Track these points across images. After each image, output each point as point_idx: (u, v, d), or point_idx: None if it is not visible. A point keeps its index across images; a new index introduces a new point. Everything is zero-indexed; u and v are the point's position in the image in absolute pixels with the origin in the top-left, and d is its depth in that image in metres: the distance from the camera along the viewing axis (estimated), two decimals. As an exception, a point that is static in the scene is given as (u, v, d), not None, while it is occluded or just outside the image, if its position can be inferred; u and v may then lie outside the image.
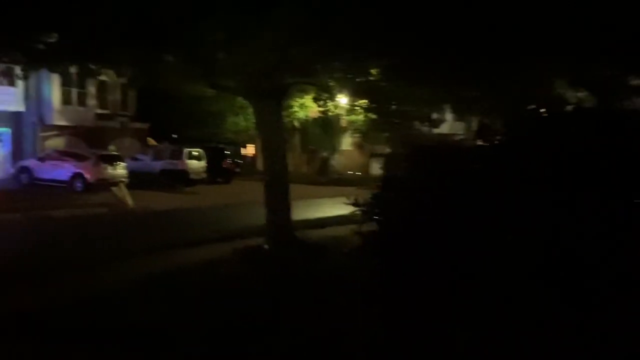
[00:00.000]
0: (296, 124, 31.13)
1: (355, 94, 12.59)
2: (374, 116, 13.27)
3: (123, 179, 21.51)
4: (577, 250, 4.50)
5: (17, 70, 9.47)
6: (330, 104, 13.56)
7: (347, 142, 34.56)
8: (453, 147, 7.21)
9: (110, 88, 27.90)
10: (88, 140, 26.00)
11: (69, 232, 12.84)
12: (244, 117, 28.16)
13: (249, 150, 34.66)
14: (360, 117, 21.92)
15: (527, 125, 6.00)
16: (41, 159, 22.71)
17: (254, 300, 6.46)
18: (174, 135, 34.20)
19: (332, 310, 5.90)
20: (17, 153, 24.30)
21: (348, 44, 7.53)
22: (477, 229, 5.01)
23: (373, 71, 10.16)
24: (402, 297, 5.32)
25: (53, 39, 7.64)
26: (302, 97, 25.60)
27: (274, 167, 10.36)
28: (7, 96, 22.94)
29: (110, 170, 21.66)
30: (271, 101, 10.01)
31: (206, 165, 26.76)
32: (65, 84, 25.26)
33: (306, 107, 26.99)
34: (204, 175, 26.43)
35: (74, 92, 26.11)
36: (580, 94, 9.13)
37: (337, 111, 22.76)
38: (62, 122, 25.70)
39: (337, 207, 10.46)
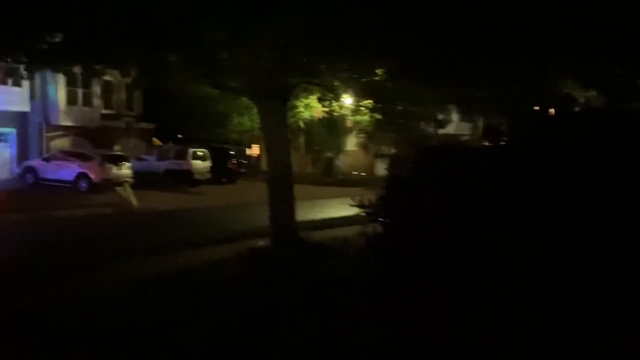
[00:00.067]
0: (301, 124, 31.08)
1: (360, 94, 12.52)
2: (379, 116, 13.22)
3: (128, 179, 21.52)
4: (583, 250, 4.44)
5: (22, 70, 9.43)
6: (335, 104, 13.51)
7: (352, 143, 34.49)
8: (459, 148, 7.13)
9: (115, 88, 27.96)
10: (93, 140, 26.05)
11: (72, 232, 12.83)
12: (249, 118, 28.11)
13: (254, 150, 34.64)
14: (366, 117, 21.83)
15: (533, 125, 5.93)
16: (46, 159, 22.78)
17: (256, 302, 6.41)
18: (179, 136, 34.26)
19: (335, 311, 5.84)
20: (22, 153, 24.38)
21: (348, 44, 7.50)
22: (483, 230, 4.96)
23: (378, 71, 10.10)
24: (406, 298, 5.28)
25: (54, 39, 7.62)
26: (307, 98, 25.53)
27: (278, 167, 10.30)
28: (12, 96, 23.02)
29: (115, 170, 21.69)
30: (275, 101, 9.96)
31: (211, 165, 26.75)
32: (71, 84, 25.32)
33: (311, 107, 26.93)
34: (209, 176, 26.43)
35: (80, 92, 26.18)
36: (589, 94, 9.03)
37: (342, 111, 22.70)
38: (68, 123, 25.77)
39: (342, 208, 10.40)
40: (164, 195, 21.64)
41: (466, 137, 27.79)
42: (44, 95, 25.05)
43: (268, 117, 10.28)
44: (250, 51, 7.38)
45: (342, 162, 33.76)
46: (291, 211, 10.39)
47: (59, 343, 5.53)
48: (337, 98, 12.91)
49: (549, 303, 4.50)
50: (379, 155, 34.35)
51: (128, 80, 20.12)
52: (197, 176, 25.75)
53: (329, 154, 35.14)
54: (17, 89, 23.01)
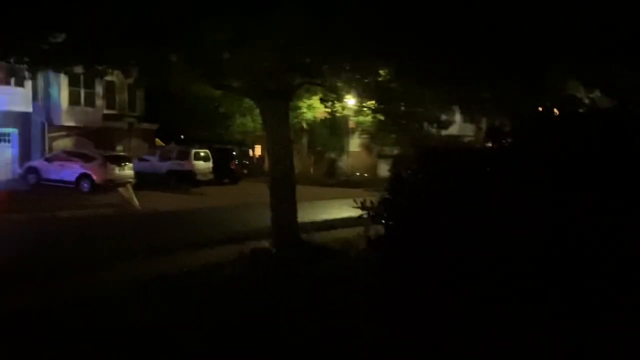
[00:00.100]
0: (304, 125, 31.08)
1: (363, 94, 12.48)
2: (382, 117, 13.14)
3: (130, 180, 21.53)
4: (584, 250, 4.42)
5: (24, 70, 9.42)
6: (337, 105, 13.44)
7: (355, 144, 34.46)
8: (461, 149, 7.09)
9: (117, 89, 27.98)
10: (95, 141, 26.08)
11: (74, 232, 12.82)
12: (252, 118, 28.10)
13: (257, 151, 34.64)
14: (368, 118, 21.80)
15: (536, 126, 5.90)
16: (48, 160, 22.80)
17: (256, 302, 6.39)
18: (182, 136, 34.29)
19: (335, 312, 5.83)
20: (24, 154, 24.41)
21: (348, 44, 7.47)
22: (485, 231, 4.93)
23: (381, 72, 10.06)
24: (407, 299, 5.25)
25: (55, 39, 7.61)
26: (309, 98, 25.53)
27: (280, 168, 10.26)
28: (15, 97, 23.06)
29: (117, 171, 21.70)
30: (277, 102, 9.93)
31: (213, 166, 26.74)
32: (73, 84, 25.35)
33: (314, 108, 26.92)
34: (211, 176, 26.42)
35: (82, 92, 26.20)
36: (593, 95, 8.98)
37: (345, 112, 22.66)
38: (70, 123, 25.79)
39: (344, 209, 10.34)
40: (166, 196, 21.63)
41: (469, 138, 27.74)
42: (47, 96, 25.08)
43: (270, 118, 10.25)
44: (250, 51, 7.35)
45: (344, 163, 33.73)
46: (293, 212, 10.35)
47: (60, 343, 5.53)
48: (339, 99, 12.83)
49: (549, 303, 4.48)
50: (382, 156, 34.33)
51: (130, 80, 20.14)
52: (199, 177, 25.75)
53: (332, 155, 35.13)
54: (19, 89, 23.05)
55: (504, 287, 4.66)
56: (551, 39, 7.18)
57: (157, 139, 32.20)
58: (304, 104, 27.64)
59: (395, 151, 30.99)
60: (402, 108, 11.96)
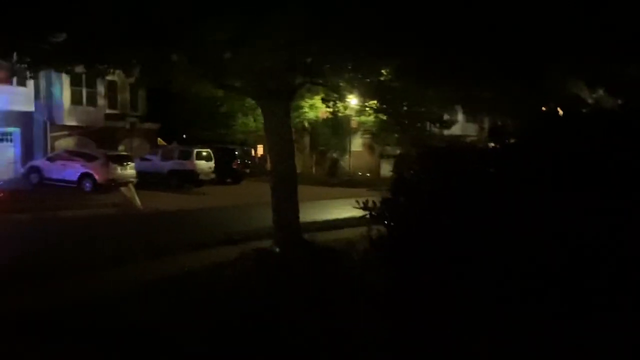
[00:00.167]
0: (306, 124, 31.05)
1: (365, 94, 12.43)
2: (384, 117, 13.09)
3: (132, 180, 21.53)
4: (590, 251, 4.39)
5: (25, 70, 9.39)
6: (339, 104, 13.39)
7: (357, 143, 34.42)
8: (465, 149, 7.04)
9: (120, 88, 27.98)
10: (98, 140, 26.07)
11: (76, 232, 12.83)
12: (254, 118, 28.12)
13: (259, 150, 34.63)
14: (371, 118, 21.75)
15: (540, 126, 5.85)
16: (51, 159, 22.79)
17: (258, 303, 6.38)
18: (184, 136, 34.29)
19: (337, 313, 5.79)
20: (27, 153, 24.42)
21: (348, 44, 7.44)
22: (489, 232, 4.88)
23: (383, 71, 10.00)
24: (410, 301, 5.21)
25: (55, 39, 7.58)
26: (311, 98, 25.47)
27: (282, 168, 10.22)
28: (17, 96, 23.05)
29: (119, 170, 21.68)
30: (279, 101, 9.89)
31: (215, 165, 26.73)
32: (75, 84, 25.35)
33: (316, 107, 26.88)
34: (213, 176, 26.40)
35: (84, 92, 26.19)
36: (597, 95, 8.92)
37: (347, 112, 22.59)
38: (72, 122, 25.79)
39: (346, 209, 10.28)
40: (168, 196, 21.64)
41: (472, 138, 27.68)
42: (49, 95, 25.08)
43: (271, 117, 10.22)
44: (251, 51, 7.32)
45: (346, 163, 33.68)
46: (295, 212, 10.31)
47: (60, 343, 5.56)
48: (341, 98, 12.78)
49: (550, 303, 4.44)
50: (384, 156, 34.29)
51: (132, 80, 20.18)
52: (201, 176, 25.73)
53: (334, 155, 35.09)
54: (21, 88, 23.04)
55: (506, 287, 4.64)
56: (550, 38, 7.14)
57: (159, 139, 32.20)
58: (306, 103, 27.60)
59: (398, 151, 30.92)
60: (405, 108, 11.90)
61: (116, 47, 7.39)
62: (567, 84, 8.75)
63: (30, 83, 22.73)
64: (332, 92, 11.63)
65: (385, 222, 5.81)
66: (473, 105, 11.75)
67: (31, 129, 24.76)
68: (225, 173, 27.73)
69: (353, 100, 17.71)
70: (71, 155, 22.56)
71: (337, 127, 31.09)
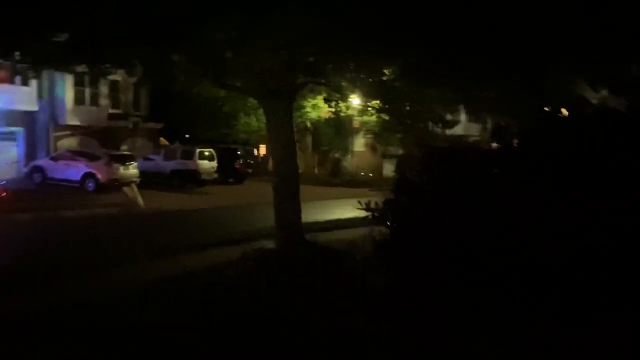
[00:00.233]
0: (308, 124, 31.01)
1: (367, 94, 12.40)
2: (386, 117, 13.04)
3: (135, 179, 21.54)
4: (596, 252, 4.37)
5: (26, 69, 9.39)
6: (342, 104, 13.35)
7: (359, 143, 34.35)
8: (468, 149, 7.01)
9: (122, 88, 28.01)
10: (100, 140, 26.11)
11: (78, 232, 12.83)
12: (256, 118, 28.08)
13: (261, 150, 34.62)
14: (373, 118, 21.68)
15: (544, 126, 5.83)
16: (53, 159, 22.84)
17: (259, 304, 6.36)
18: (187, 136, 34.32)
19: (338, 314, 5.78)
20: (30, 152, 24.47)
21: (348, 45, 7.43)
22: (492, 233, 4.86)
23: (386, 71, 9.97)
24: (413, 303, 5.18)
25: (55, 38, 7.57)
26: (314, 98, 25.41)
27: (284, 168, 10.20)
28: (20, 96, 23.09)
29: (122, 170, 21.71)
30: (281, 101, 9.88)
31: (217, 165, 26.74)
32: (78, 83, 25.37)
33: (319, 107, 26.83)
34: (216, 176, 26.40)
35: (87, 92, 26.22)
36: (601, 95, 8.88)
37: (349, 112, 22.55)
38: (75, 122, 25.82)
39: (348, 209, 10.27)
40: (171, 196, 21.65)
41: (474, 138, 27.58)
42: (52, 95, 25.11)
43: (273, 117, 10.20)
44: (252, 51, 7.32)
45: (349, 163, 33.65)
46: (297, 212, 10.29)
47: (61, 343, 5.56)
48: (343, 98, 12.75)
49: (558, 304, 4.43)
50: (386, 156, 34.21)
51: (135, 80, 20.19)
52: (203, 176, 25.73)
53: (336, 155, 35.04)
54: (25, 88, 23.08)
55: (507, 287, 4.62)
56: (550, 38, 7.12)
57: (161, 138, 32.23)
58: (308, 103, 27.54)
59: (400, 151, 30.85)
60: (407, 108, 11.87)
61: (116, 47, 7.39)
62: (568, 83, 8.72)
63: (34, 83, 22.77)
64: (334, 92, 11.61)
65: (388, 223, 5.79)
66: (475, 105, 11.71)
67: (34, 129, 24.81)
68: (228, 173, 27.73)
69: (355, 100, 17.67)
70: (74, 155, 22.60)
71: (340, 127, 31.02)
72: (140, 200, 18.67)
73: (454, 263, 4.94)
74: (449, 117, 13.39)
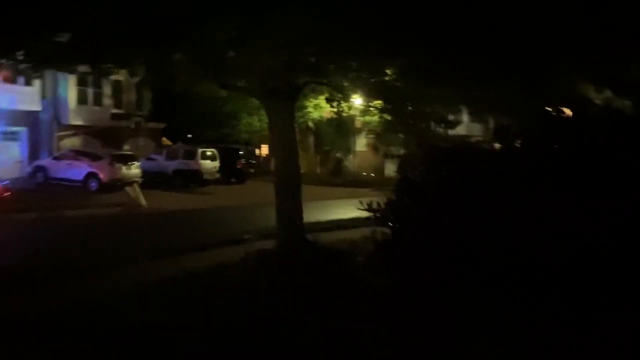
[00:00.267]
0: (310, 124, 31.00)
1: (369, 94, 12.39)
2: (388, 117, 13.03)
3: (137, 179, 21.57)
4: (597, 253, 4.37)
5: (26, 69, 9.40)
6: (344, 104, 13.35)
7: (361, 143, 34.33)
8: (472, 149, 6.99)
9: (125, 88, 28.04)
10: (103, 140, 26.15)
11: (80, 232, 12.85)
12: (258, 118, 28.11)
13: (263, 150, 34.64)
14: (375, 118, 21.66)
15: (548, 127, 5.82)
16: (56, 159, 22.89)
17: (259, 305, 6.35)
18: (189, 136, 34.35)
19: (339, 316, 5.77)
20: (33, 152, 24.52)
21: (348, 45, 7.42)
22: (494, 233, 4.85)
23: (388, 71, 9.96)
24: (414, 304, 5.17)
25: (55, 38, 7.57)
26: (316, 98, 25.40)
27: (286, 168, 10.19)
28: (23, 96, 23.15)
29: (124, 170, 21.75)
30: (282, 101, 9.86)
31: (220, 165, 26.75)
32: (81, 83, 25.43)
33: (321, 107, 26.81)
34: (218, 176, 26.43)
35: (90, 92, 26.28)
36: (604, 96, 8.86)
37: (352, 112, 22.54)
38: (78, 122, 25.87)
39: (350, 209, 10.26)
40: (173, 195, 21.68)
41: (477, 138, 27.54)
42: (55, 95, 25.16)
43: (275, 117, 10.19)
44: (252, 51, 7.32)
45: (351, 163, 33.63)
46: (299, 212, 10.27)
47: (61, 343, 5.55)
48: (346, 98, 12.74)
49: (558, 305, 4.43)
50: (389, 156, 34.16)
51: (137, 80, 20.21)
52: (206, 176, 25.75)
53: (338, 155, 35.02)
54: (28, 88, 23.13)
55: (508, 288, 4.61)
56: (548, 38, 7.11)
57: (164, 138, 32.27)
58: (310, 103, 27.52)
59: (402, 151, 30.80)
60: (409, 108, 11.85)
61: (116, 47, 7.39)
62: (569, 84, 8.70)
63: (37, 83, 22.82)
64: (336, 91, 11.60)
65: (390, 223, 5.78)
66: (477, 105, 11.70)
67: (37, 129, 24.86)
68: (230, 173, 27.76)
69: (357, 100, 17.65)
70: (77, 154, 22.66)
71: (342, 127, 30.97)
72: (142, 200, 18.69)
73: (456, 263, 4.93)
74: (451, 117, 13.38)
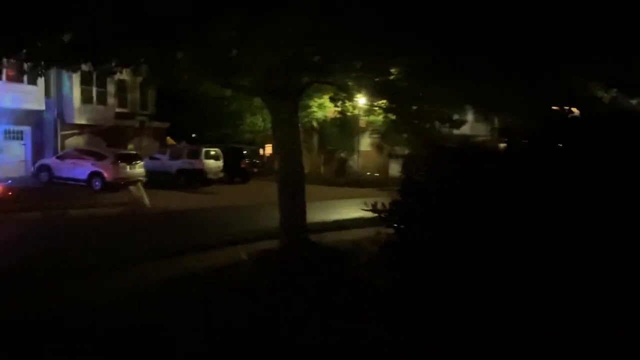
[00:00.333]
0: (314, 124, 30.97)
1: (374, 94, 12.32)
2: (393, 117, 12.96)
3: (141, 178, 21.58)
4: (598, 255, 4.31)
5: (27, 68, 9.37)
6: (348, 104, 13.28)
7: (365, 143, 34.27)
8: (476, 149, 6.92)
9: (130, 87, 28.08)
10: (107, 139, 26.17)
11: (84, 231, 12.82)
12: (262, 117, 28.12)
13: (267, 150, 34.63)
14: (379, 117, 21.61)
15: (555, 127, 5.75)
16: (60, 158, 22.91)
17: (260, 306, 6.30)
18: (193, 135, 34.37)
19: (340, 316, 5.71)
20: (37, 151, 24.55)
21: (348, 44, 7.38)
22: (499, 234, 4.79)
23: (393, 70, 9.89)
24: (417, 305, 5.12)
25: (56, 38, 7.54)
26: (320, 97, 25.36)
27: (289, 167, 10.14)
28: (27, 95, 23.17)
29: (128, 169, 21.76)
30: (286, 101, 9.81)
31: (224, 165, 26.74)
32: (85, 82, 25.45)
33: (325, 107, 26.78)
34: (222, 175, 26.41)
35: (94, 91, 26.29)
36: (611, 95, 8.77)
37: (356, 111, 22.46)
38: (82, 121, 25.90)
39: (354, 209, 10.18)
40: (177, 195, 21.66)
41: (482, 138, 27.43)
42: (59, 94, 25.19)
43: (279, 117, 10.14)
44: (253, 51, 7.28)
45: (355, 163, 33.55)
46: (302, 212, 10.21)
47: (62, 343, 5.53)
48: (350, 98, 12.68)
49: (559, 305, 4.38)
50: (393, 156, 34.10)
51: (141, 79, 20.20)
52: (209, 176, 25.74)
53: (342, 154, 34.97)
54: (32, 87, 23.15)
55: (510, 288, 4.55)
56: (547, 38, 7.05)
57: (168, 138, 32.29)
58: (314, 103, 27.50)
59: (406, 151, 30.73)
60: (414, 107, 11.78)
61: (116, 47, 7.37)
62: (570, 83, 8.64)
63: (41, 81, 22.79)
64: (340, 91, 11.54)
65: (395, 224, 5.72)
66: (479, 105, 11.65)
67: (41, 128, 24.89)
68: (234, 172, 27.75)
69: (362, 100, 17.57)
70: (81, 153, 22.68)
71: (346, 126, 30.90)
72: (146, 200, 18.67)
73: (460, 264, 4.87)
74: (455, 116, 13.30)
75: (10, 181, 19.61)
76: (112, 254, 9.71)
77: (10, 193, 17.72)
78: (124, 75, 21.84)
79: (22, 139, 24.50)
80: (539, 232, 4.60)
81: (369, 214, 5.91)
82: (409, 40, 7.20)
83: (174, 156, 26.31)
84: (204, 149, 26.28)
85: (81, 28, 7.03)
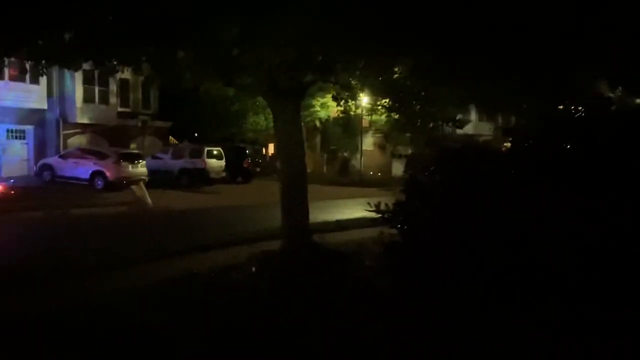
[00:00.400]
0: (317, 123, 30.93)
1: (377, 93, 12.26)
2: (396, 116, 12.90)
3: (143, 178, 21.56)
4: (598, 255, 4.26)
5: (27, 67, 9.35)
6: (351, 103, 13.22)
7: (368, 143, 34.22)
8: (480, 149, 6.87)
9: (132, 86, 28.08)
10: (109, 138, 26.17)
11: (85, 231, 12.80)
12: (265, 117, 28.09)
13: (270, 149, 34.60)
14: (383, 117, 21.57)
15: (551, 127, 5.71)
16: (63, 157, 22.92)
17: (261, 307, 6.26)
18: (195, 134, 34.40)
19: (341, 316, 5.67)
20: (39, 151, 24.57)
21: (348, 44, 7.35)
22: (502, 234, 4.74)
23: (396, 69, 9.83)
24: (420, 306, 5.07)
25: (57, 37, 7.51)
26: (323, 96, 25.31)
27: (291, 167, 10.07)
28: (30, 94, 23.20)
29: (130, 168, 21.75)
30: (288, 100, 9.76)
31: (226, 164, 26.73)
32: (88, 82, 25.45)
33: (327, 106, 26.77)
34: (224, 175, 26.39)
35: (97, 90, 26.29)
36: (617, 93, 8.71)
37: (359, 111, 22.42)
38: (84, 120, 25.90)
39: (357, 209, 10.14)
40: (179, 194, 21.64)
41: (485, 137, 27.38)
42: (61, 93, 25.19)
43: (281, 116, 10.08)
44: (252, 50, 7.25)
45: (358, 162, 33.50)
46: (305, 212, 10.14)
47: (62, 344, 5.50)
48: (353, 97, 12.62)
49: (559, 305, 4.39)
50: (396, 156, 34.06)
51: (144, 78, 20.18)
52: (212, 175, 25.72)
53: (345, 154, 34.94)
54: (34, 86, 23.18)
55: (513, 289, 4.51)
56: (546, 38, 7.01)
57: (170, 137, 32.29)
58: (317, 102, 27.47)
59: (410, 150, 30.70)
60: (417, 107, 11.72)
61: (117, 47, 7.35)
62: (570, 83, 8.60)
63: (43, 81, 22.85)
64: (343, 90, 11.48)
65: (399, 225, 5.66)
66: (482, 104, 11.61)
67: (44, 127, 24.90)
68: (236, 172, 27.73)
69: (364, 99, 17.51)
70: (83, 153, 22.69)
71: (349, 126, 30.90)
72: (148, 199, 18.65)
73: (462, 265, 4.84)
74: (459, 116, 13.24)
75: (12, 180, 19.63)
76: (112, 253, 9.67)
77: (12, 192, 17.72)
78: (127, 74, 21.85)
79: (24, 138, 24.51)
80: (539, 232, 4.59)
81: (372, 214, 5.86)
82: (409, 40, 7.17)
83: (176, 156, 26.30)
84: (206, 149, 26.26)
85: (81, 28, 7.01)
